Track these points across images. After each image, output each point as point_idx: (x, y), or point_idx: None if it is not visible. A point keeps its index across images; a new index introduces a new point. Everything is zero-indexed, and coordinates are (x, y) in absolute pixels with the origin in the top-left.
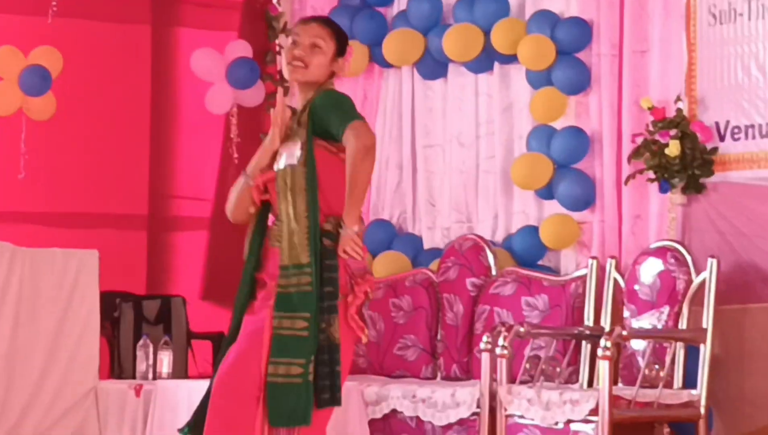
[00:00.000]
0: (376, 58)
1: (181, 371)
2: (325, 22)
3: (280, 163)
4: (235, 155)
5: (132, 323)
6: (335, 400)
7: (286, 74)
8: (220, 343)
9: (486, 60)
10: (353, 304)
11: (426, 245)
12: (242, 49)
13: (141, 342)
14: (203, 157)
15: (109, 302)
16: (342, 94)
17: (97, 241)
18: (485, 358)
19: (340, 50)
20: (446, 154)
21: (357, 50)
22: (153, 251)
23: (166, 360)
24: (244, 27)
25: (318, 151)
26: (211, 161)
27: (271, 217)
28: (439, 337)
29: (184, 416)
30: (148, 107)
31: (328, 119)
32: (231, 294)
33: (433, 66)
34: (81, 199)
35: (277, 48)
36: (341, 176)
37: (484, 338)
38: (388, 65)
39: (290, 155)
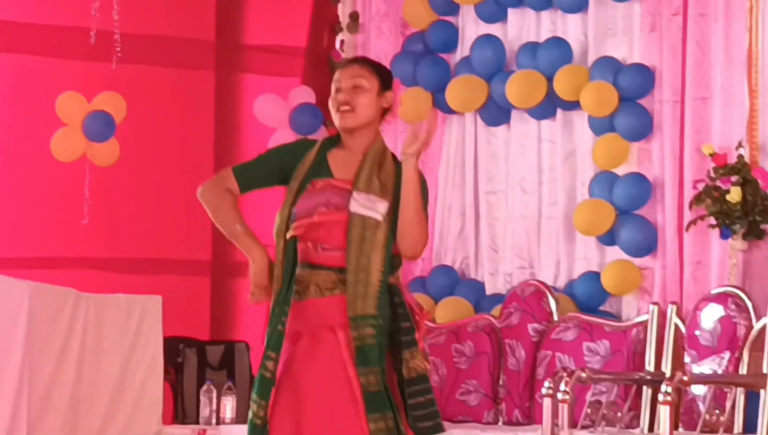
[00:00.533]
0: (440, 104)
1: (244, 416)
2: (363, 61)
3: (356, 208)
4: None
5: (196, 368)
6: (438, 427)
7: (336, 123)
8: None
9: (549, 106)
10: (419, 339)
11: (488, 291)
12: (305, 95)
13: (204, 387)
14: (265, 202)
15: (173, 348)
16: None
17: (161, 286)
18: (547, 403)
19: (384, 84)
20: (509, 200)
21: (420, 97)
22: (216, 297)
23: (229, 405)
24: (307, 73)
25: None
26: (273, 207)
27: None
28: (501, 382)
29: None
30: (211, 153)
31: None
32: None
33: (497, 112)
34: (144, 245)
35: None
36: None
37: (546, 383)
38: (451, 111)
39: (371, 207)
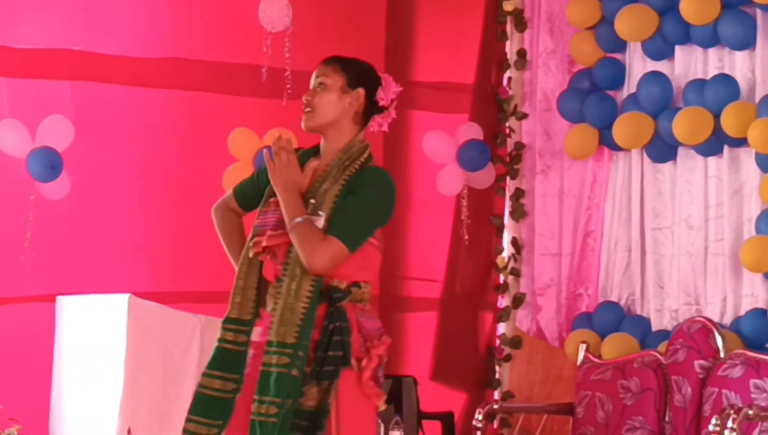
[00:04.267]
0: (606, 141)
1: None
2: (334, 58)
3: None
4: (466, 237)
5: None
6: None
7: (302, 126)
8: (450, 423)
9: (716, 143)
10: (368, 368)
11: (654, 327)
12: (473, 131)
13: None
14: (434, 238)
15: None
16: (379, 191)
17: None
18: None
19: (352, 82)
20: (675, 236)
21: (587, 133)
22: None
23: None
24: (474, 110)
25: None
26: (442, 242)
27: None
28: (667, 418)
29: None
30: None
31: (343, 208)
32: (461, 374)
33: (663, 149)
34: None
35: (507, 131)
36: (362, 254)
37: (713, 421)
38: (618, 148)
39: None
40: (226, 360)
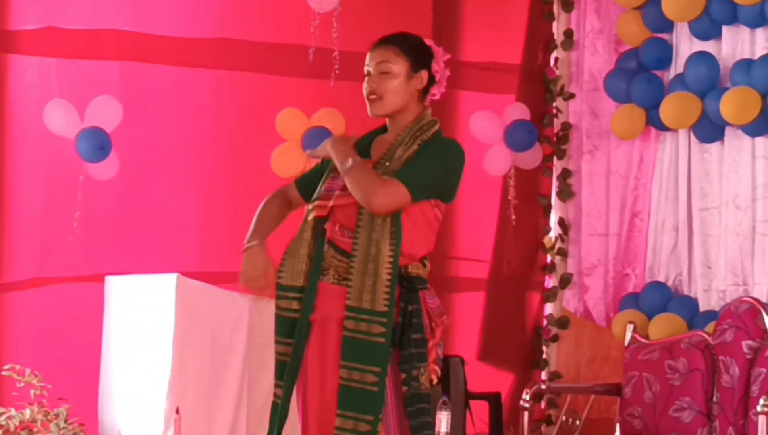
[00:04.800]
0: (653, 121)
1: (459, 431)
2: (391, 40)
3: None
4: (513, 217)
5: None
6: None
7: (369, 113)
8: (498, 403)
9: (763, 123)
10: (433, 348)
11: (702, 308)
12: (520, 111)
13: None
14: (481, 218)
15: None
16: (451, 151)
17: None
18: (762, 420)
19: (416, 65)
20: (722, 216)
21: (634, 113)
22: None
23: (444, 420)
24: (521, 90)
25: None
26: (489, 223)
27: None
28: (714, 399)
29: None
30: None
31: (411, 161)
32: (508, 355)
33: (710, 129)
34: None
35: (554, 111)
36: (425, 226)
37: (761, 401)
38: (665, 128)
39: None
40: (282, 327)
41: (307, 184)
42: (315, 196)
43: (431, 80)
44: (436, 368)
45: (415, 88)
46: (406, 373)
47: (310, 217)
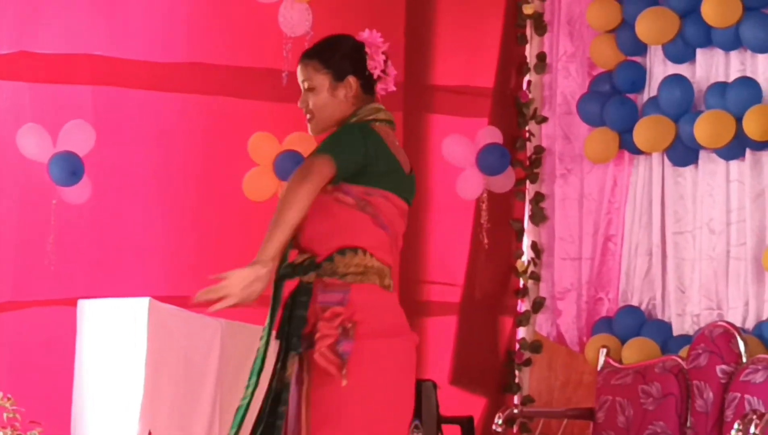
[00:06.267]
0: (627, 144)
1: None
2: (309, 54)
3: None
4: (485, 241)
5: None
6: None
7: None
8: (470, 427)
9: (738, 147)
10: (321, 340)
11: (675, 332)
12: (493, 135)
13: None
14: (453, 242)
15: None
16: (346, 128)
17: None
18: None
19: (339, 74)
20: (696, 240)
21: (607, 137)
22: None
23: None
24: (494, 113)
25: None
26: (461, 247)
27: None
28: (688, 423)
29: None
30: None
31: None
32: (480, 379)
33: (684, 153)
34: None
35: (527, 135)
36: (332, 216)
37: (736, 426)
38: (638, 152)
39: None
40: None
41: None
42: None
43: (370, 79)
44: (331, 356)
45: (345, 96)
46: (281, 362)
47: None
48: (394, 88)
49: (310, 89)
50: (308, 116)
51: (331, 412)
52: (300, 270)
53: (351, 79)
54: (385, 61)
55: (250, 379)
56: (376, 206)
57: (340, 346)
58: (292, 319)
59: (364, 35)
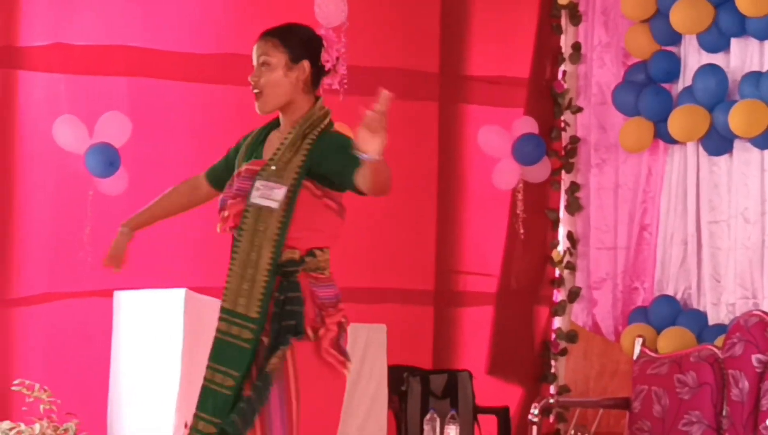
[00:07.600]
0: (661, 134)
1: None
2: (272, 33)
3: (253, 198)
4: (521, 231)
5: (419, 397)
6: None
7: (257, 110)
8: (506, 417)
9: None
10: (325, 337)
11: (711, 321)
12: (528, 125)
13: (428, 416)
14: (489, 232)
15: (397, 376)
16: (345, 137)
17: (385, 315)
18: None
19: (295, 55)
20: (731, 229)
21: (642, 127)
22: (439, 326)
23: (452, 434)
24: (530, 103)
25: (302, 193)
26: (497, 237)
27: None
28: (724, 413)
29: None
30: (435, 183)
31: (334, 163)
32: (516, 369)
33: (719, 142)
34: (369, 275)
35: (562, 125)
36: (319, 219)
37: None
38: (673, 141)
39: (268, 195)
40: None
41: (216, 175)
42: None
43: (320, 71)
44: (336, 354)
45: (297, 79)
46: (266, 355)
47: (219, 230)
48: (337, 86)
49: (266, 64)
50: (256, 91)
51: (328, 404)
52: (289, 265)
53: (305, 64)
54: (337, 59)
55: (236, 370)
56: (345, 211)
57: (341, 340)
58: (284, 314)
59: (322, 32)
